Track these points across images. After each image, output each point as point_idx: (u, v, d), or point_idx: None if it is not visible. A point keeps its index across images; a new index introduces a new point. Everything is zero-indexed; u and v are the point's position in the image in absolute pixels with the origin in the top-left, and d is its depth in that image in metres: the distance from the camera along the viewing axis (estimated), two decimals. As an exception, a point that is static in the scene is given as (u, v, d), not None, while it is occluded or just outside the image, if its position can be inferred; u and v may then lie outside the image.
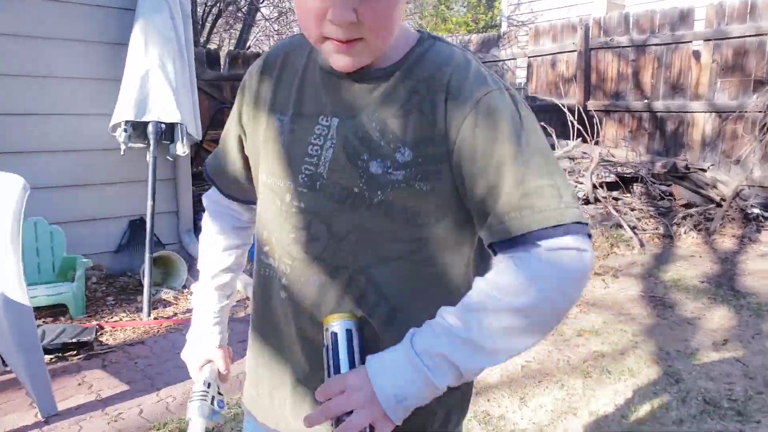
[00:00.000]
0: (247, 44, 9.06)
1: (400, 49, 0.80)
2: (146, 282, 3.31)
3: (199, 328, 1.03)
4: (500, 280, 0.72)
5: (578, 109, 6.59)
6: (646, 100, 6.33)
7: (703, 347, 2.82)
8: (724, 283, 3.72)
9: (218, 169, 1.01)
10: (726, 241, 4.59)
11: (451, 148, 0.75)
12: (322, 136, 0.81)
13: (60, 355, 2.81)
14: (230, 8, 8.41)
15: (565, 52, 7.01)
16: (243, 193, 1.01)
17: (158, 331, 3.15)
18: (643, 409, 2.29)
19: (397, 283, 0.80)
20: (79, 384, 2.59)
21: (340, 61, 0.76)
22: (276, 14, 9.65)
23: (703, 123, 5.89)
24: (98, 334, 3.07)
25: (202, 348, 1.02)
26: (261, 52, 9.08)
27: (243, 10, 8.81)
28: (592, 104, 6.79)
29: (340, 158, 0.79)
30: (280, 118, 0.85)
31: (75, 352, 2.88)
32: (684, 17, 5.97)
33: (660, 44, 6.14)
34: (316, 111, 0.82)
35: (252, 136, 0.91)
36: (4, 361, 2.67)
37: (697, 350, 2.79)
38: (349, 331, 0.77)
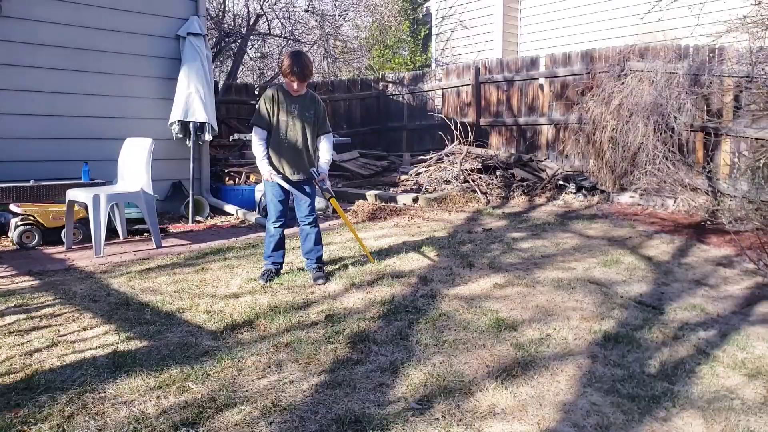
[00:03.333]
0: (237, 76, 11.84)
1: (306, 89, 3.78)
2: (191, 205, 6.04)
3: (264, 164, 3.85)
4: (328, 145, 3.87)
5: (473, 123, 9.49)
6: (514, 118, 9.26)
7: (477, 231, 5.62)
8: (515, 214, 6.56)
9: (261, 121, 3.84)
10: (539, 200, 7.45)
11: (317, 113, 3.78)
12: (295, 108, 3.75)
13: (150, 236, 5.50)
14: (224, 49, 11.20)
15: (464, 85, 9.94)
16: (268, 127, 3.84)
17: (198, 229, 5.86)
18: (429, 248, 5.04)
19: (314, 147, 3.86)
20: (165, 243, 5.27)
21: (297, 91, 3.78)
22: (258, 55, 12.53)
23: (546, 131, 8.83)
24: (167, 229, 5.77)
25: (267, 167, 3.84)
26: (246, 83, 11.87)
27: (234, 51, 11.62)
28: (482, 121, 9.70)
29: (299, 114, 3.75)
30: (281, 108, 3.78)
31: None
32: (534, 62, 8.97)
33: (521, 80, 9.11)
34: (291, 103, 3.76)
35: (272, 111, 3.79)
36: (127, 232, 5.35)
37: (473, 231, 5.58)
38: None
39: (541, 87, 8.92)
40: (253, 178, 7.25)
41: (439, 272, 4.16)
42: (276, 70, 12.46)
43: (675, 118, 7.28)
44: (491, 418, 2.32)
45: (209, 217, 6.46)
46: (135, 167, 4.92)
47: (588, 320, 3.36)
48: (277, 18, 11.11)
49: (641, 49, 7.83)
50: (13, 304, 3.41)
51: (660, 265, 4.55)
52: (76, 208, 4.82)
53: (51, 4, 5.77)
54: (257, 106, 3.92)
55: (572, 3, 10.53)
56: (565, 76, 8.53)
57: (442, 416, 2.31)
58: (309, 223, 4.01)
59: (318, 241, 4.05)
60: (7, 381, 2.49)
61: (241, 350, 2.85)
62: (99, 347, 2.83)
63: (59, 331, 3.02)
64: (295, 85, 3.74)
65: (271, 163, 3.86)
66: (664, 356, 2.94)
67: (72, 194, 4.71)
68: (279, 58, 11.48)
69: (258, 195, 6.72)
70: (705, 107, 7.11)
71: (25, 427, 2.14)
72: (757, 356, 2.96)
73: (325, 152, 3.99)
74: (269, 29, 11.10)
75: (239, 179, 7.25)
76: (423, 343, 2.98)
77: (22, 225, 4.80)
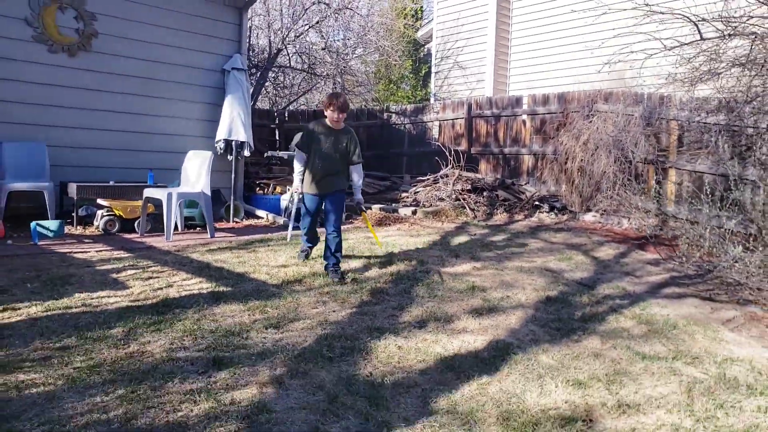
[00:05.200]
0: (257, 103, 13.28)
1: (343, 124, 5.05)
2: (231, 208, 7.37)
3: (297, 180, 5.09)
4: (357, 175, 5.05)
5: (465, 151, 10.91)
6: (500, 148, 10.70)
7: (464, 236, 6.95)
8: (496, 226, 7.93)
9: (302, 146, 5.04)
10: (518, 216, 8.82)
11: (348, 144, 4.97)
12: (330, 140, 4.93)
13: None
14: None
15: (458, 118, 11.40)
16: (307, 150, 5.03)
17: (237, 227, 7.18)
18: (426, 244, 6.37)
19: (344, 171, 5.06)
20: (216, 235, 6.58)
21: (335, 125, 4.95)
22: (275, 84, 14.03)
23: (527, 160, 10.26)
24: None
25: (298, 183, 5.10)
26: (268, 109, 13.29)
27: (256, 80, 13.09)
28: (473, 150, 11.13)
29: (333, 144, 4.93)
30: (319, 138, 4.97)
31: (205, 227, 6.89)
32: (518, 101, 10.44)
33: (506, 116, 10.57)
34: (328, 135, 4.95)
35: (312, 141, 4.97)
36: (186, 226, 6.66)
37: (461, 235, 6.92)
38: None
39: (524, 122, 10.37)
40: (279, 189, 8.60)
41: (432, 259, 5.50)
42: (291, 98, 13.95)
43: (632, 152, 8.70)
44: (464, 333, 3.65)
45: (243, 219, 7.79)
46: (197, 173, 6.27)
47: (538, 290, 4.70)
48: (297, 53, 12.61)
49: (606, 94, 9.31)
50: (126, 264, 4.73)
51: (602, 262, 5.91)
52: (149, 204, 6.15)
53: (128, 42, 7.19)
54: (301, 133, 5.08)
55: (552, 51, 12.09)
56: (544, 114, 9.99)
57: (433, 330, 3.64)
58: (333, 233, 4.89)
59: (338, 249, 4.91)
60: (148, 303, 3.81)
61: (297, 294, 4.17)
62: (200, 289, 4.15)
63: (168, 279, 4.34)
64: (336, 115, 4.77)
65: (309, 181, 4.93)
66: (586, 311, 4.28)
67: (149, 192, 6.05)
68: (298, 89, 12.94)
69: (283, 203, 8.06)
70: (656, 144, 8.55)
71: (174, 322, 3.45)
72: (651, 314, 4.31)
73: (356, 179, 5.08)
74: (290, 63, 12.59)
75: (267, 189, 8.59)
76: (420, 295, 4.31)
77: (107, 215, 6.12)
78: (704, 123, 7.65)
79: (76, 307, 3.60)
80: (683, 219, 7.55)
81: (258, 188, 8.49)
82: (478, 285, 4.68)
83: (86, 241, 5.73)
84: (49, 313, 3.45)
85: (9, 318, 3.32)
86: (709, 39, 6.04)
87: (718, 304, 4.78)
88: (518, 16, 12.76)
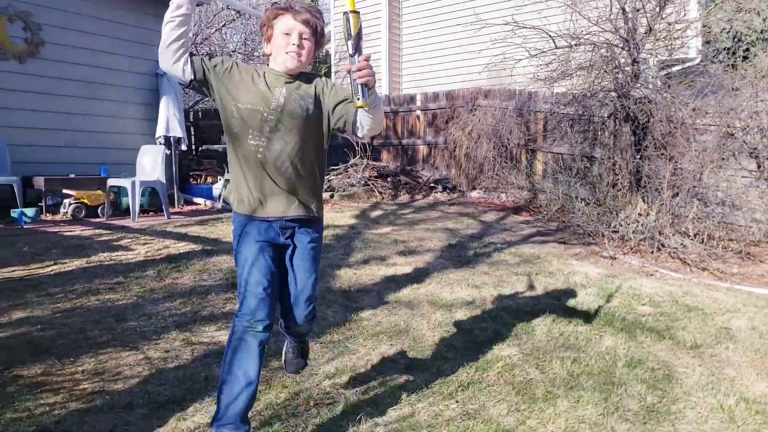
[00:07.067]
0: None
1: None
2: (176, 195, 8.38)
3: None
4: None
5: (369, 143, 12.45)
6: (399, 139, 12.37)
7: (378, 210, 8.49)
8: (402, 204, 9.55)
9: (199, 60, 2.14)
10: (418, 196, 10.52)
11: (320, 98, 2.19)
12: (279, 93, 2.13)
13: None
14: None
15: (362, 113, 12.92)
16: (197, 65, 2.12)
17: (181, 211, 8.21)
18: (350, 217, 7.83)
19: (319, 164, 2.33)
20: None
21: (291, 64, 2.13)
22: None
23: (422, 150, 12.01)
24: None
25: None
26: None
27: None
28: (376, 142, 12.70)
29: (286, 106, 2.13)
30: (253, 88, 2.14)
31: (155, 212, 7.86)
32: (412, 98, 12.16)
33: (403, 111, 12.26)
34: (274, 86, 2.14)
35: (222, 81, 2.15)
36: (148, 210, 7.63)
37: (375, 211, 8.44)
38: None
39: (418, 117, 12.11)
40: (209, 179, 9.64)
41: (359, 225, 6.98)
42: (197, 98, 14.74)
43: (507, 139, 10.68)
44: (396, 265, 5.17)
45: (184, 205, 8.79)
46: (152, 164, 7.27)
47: (442, 241, 6.33)
48: (208, 55, 13.52)
49: (485, 91, 11.25)
50: (119, 236, 5.75)
51: (487, 223, 7.69)
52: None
53: (72, 50, 7.95)
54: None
55: (441, 53, 13.98)
56: (435, 109, 11.78)
57: (374, 264, 5.13)
58: (306, 320, 2.45)
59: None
60: (158, 257, 4.95)
61: (267, 249, 5.46)
62: (192, 248, 5.33)
63: (162, 244, 5.45)
64: (294, 40, 2.14)
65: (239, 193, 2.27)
66: (477, 250, 5.96)
67: (113, 181, 6.98)
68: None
69: (216, 191, 9.15)
70: (526, 131, 10.58)
71: (188, 266, 4.66)
72: (522, 251, 6.07)
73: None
74: (201, 64, 13.50)
75: (200, 180, 9.61)
76: (359, 247, 5.78)
77: (75, 203, 6.96)
78: (562, 113, 9.71)
79: (107, 261, 4.67)
80: (548, 191, 9.60)
81: (191, 179, 9.48)
82: (399, 239, 6.22)
83: (62, 224, 6.57)
84: (91, 264, 4.51)
85: (65, 267, 4.36)
86: (561, 48, 7.99)
87: (570, 246, 6.66)
88: (408, 21, 14.53)
